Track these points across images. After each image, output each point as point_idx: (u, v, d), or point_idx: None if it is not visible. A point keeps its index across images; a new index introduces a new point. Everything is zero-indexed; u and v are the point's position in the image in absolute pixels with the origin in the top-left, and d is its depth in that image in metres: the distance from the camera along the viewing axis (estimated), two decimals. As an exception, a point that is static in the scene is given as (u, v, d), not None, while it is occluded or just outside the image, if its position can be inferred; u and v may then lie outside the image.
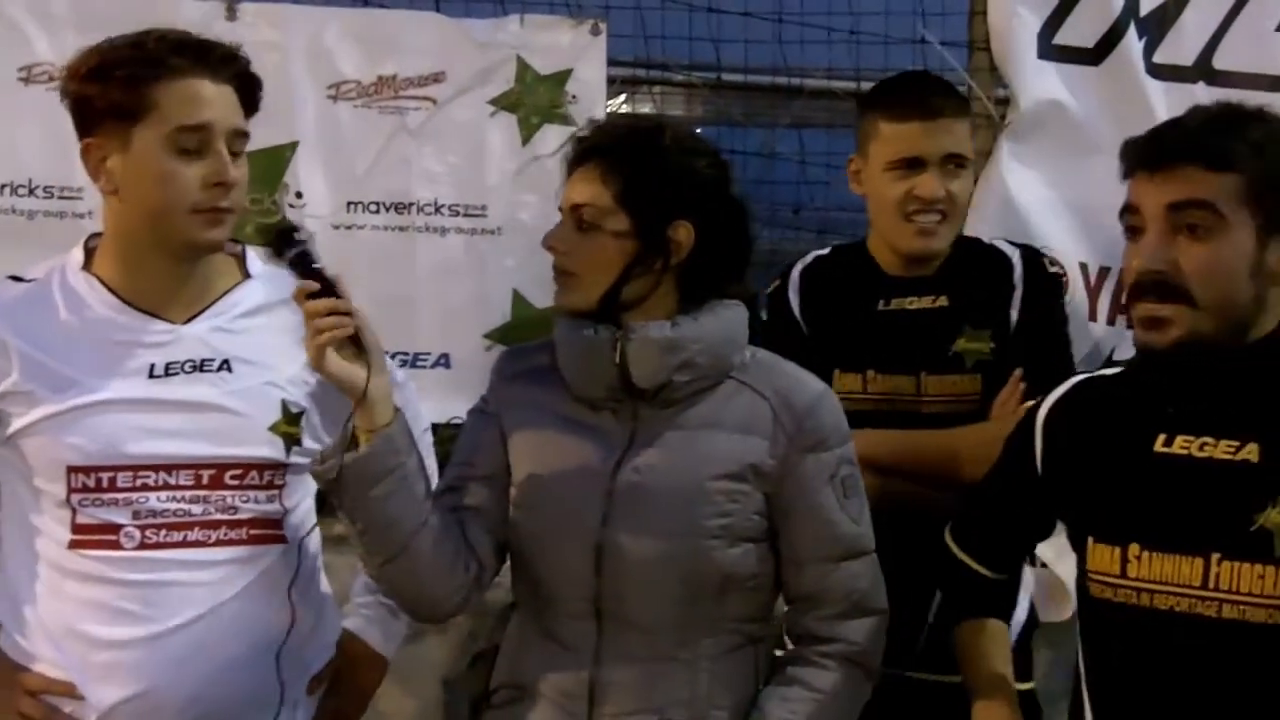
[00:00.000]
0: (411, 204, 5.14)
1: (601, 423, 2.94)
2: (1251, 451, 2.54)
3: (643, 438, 2.92)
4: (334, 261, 4.92)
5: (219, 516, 3.05)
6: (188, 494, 3.02)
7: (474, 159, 5.15)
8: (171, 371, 3.02)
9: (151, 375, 3.01)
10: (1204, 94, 4.76)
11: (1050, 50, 4.87)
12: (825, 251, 3.97)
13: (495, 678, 3.07)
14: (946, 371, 3.73)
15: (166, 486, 3.01)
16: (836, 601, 2.95)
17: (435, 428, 5.07)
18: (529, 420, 2.99)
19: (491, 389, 3.09)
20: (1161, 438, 2.61)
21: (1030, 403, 3.26)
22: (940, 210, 3.69)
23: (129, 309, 3.03)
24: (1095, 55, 4.86)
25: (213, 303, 3.09)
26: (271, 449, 3.08)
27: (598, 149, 2.92)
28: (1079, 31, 4.85)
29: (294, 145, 5.05)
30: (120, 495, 3.00)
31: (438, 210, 5.14)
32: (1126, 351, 4.78)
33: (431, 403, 4.86)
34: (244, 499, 3.07)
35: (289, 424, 3.11)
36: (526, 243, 4.76)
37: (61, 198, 4.91)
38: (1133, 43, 4.84)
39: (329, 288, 2.82)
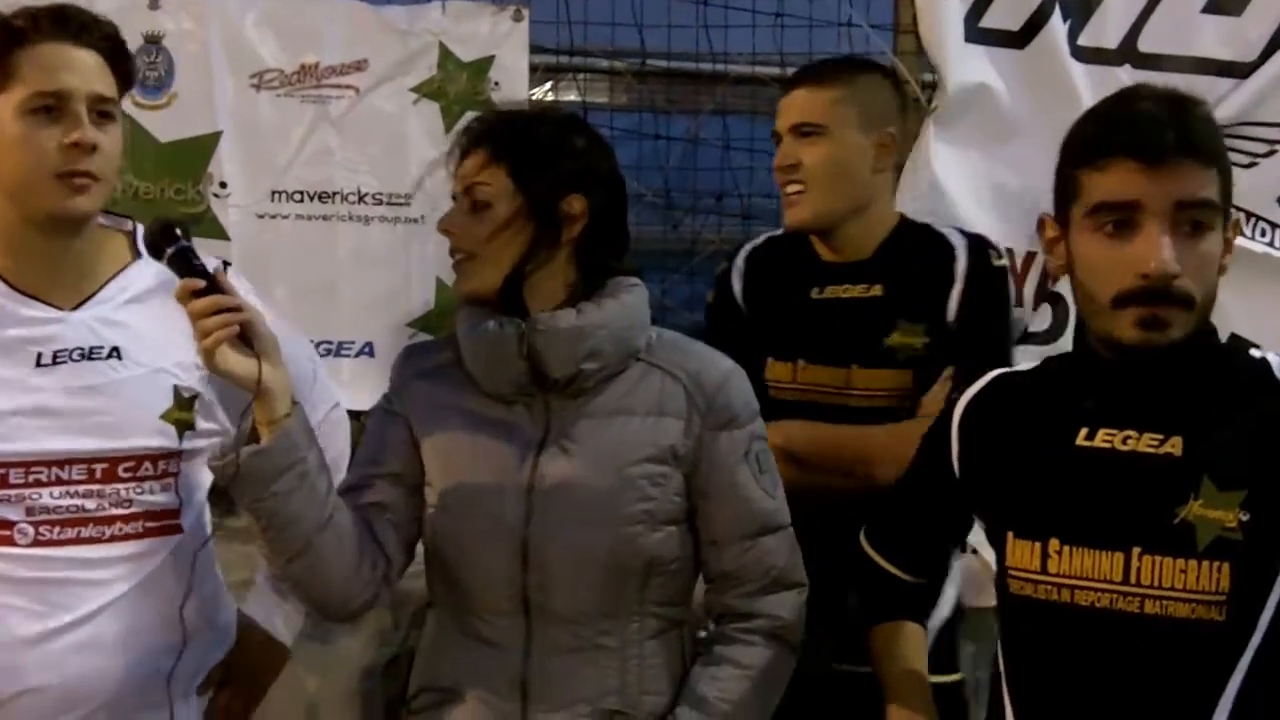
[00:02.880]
0: (335, 193, 5.13)
1: (514, 417, 2.93)
2: (1175, 445, 2.52)
3: (557, 430, 2.90)
4: (258, 250, 4.97)
5: (113, 511, 3.03)
6: (81, 489, 3.00)
7: (397, 147, 5.14)
8: (59, 360, 3.00)
9: (39, 364, 2.99)
10: (1128, 77, 4.74)
11: (977, 33, 4.85)
12: (778, 233, 3.94)
13: (415, 680, 3.05)
14: (877, 365, 3.68)
15: (59, 482, 3.00)
16: (756, 578, 2.96)
17: (358, 415, 5.08)
18: (439, 420, 2.97)
19: (394, 389, 3.07)
20: (1084, 431, 2.59)
21: None
22: (796, 180, 3.71)
23: (14, 294, 3.01)
24: (1021, 38, 4.84)
25: (101, 286, 3.06)
26: (164, 438, 3.07)
27: (483, 134, 2.93)
28: (1005, 14, 4.83)
29: (217, 135, 5.05)
30: (13, 492, 2.98)
31: (361, 199, 5.13)
32: (1041, 325, 4.78)
33: (355, 391, 4.86)
34: (138, 490, 3.05)
35: (181, 409, 3.09)
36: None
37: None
38: (1057, 25, 4.82)
39: (212, 284, 2.78)
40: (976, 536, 3.34)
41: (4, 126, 2.94)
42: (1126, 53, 4.85)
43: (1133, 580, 2.49)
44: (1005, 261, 3.89)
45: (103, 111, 2.98)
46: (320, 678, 4.62)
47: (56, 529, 3.00)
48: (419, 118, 5.11)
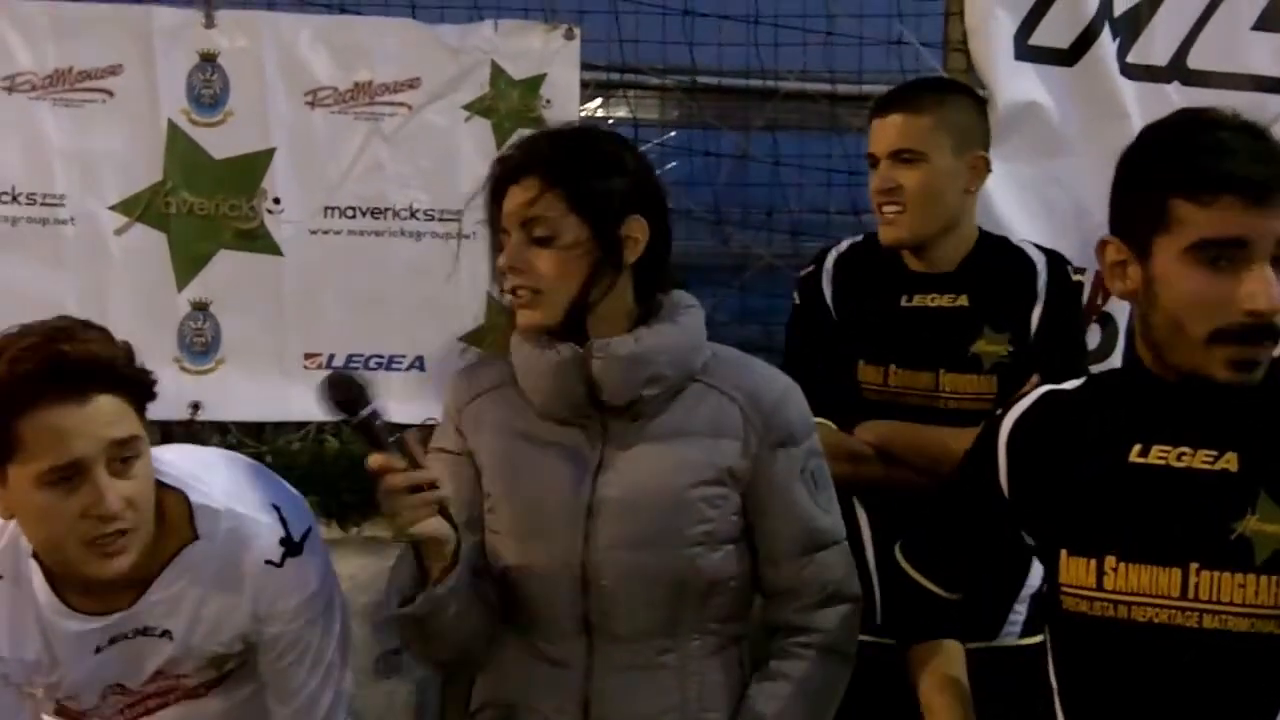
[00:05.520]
0: (387, 209, 5.13)
1: (571, 439, 2.92)
2: (1230, 461, 2.51)
3: (614, 452, 2.90)
4: (311, 265, 5.01)
5: (169, 689, 3.14)
6: (139, 691, 3.12)
7: (448, 164, 5.14)
8: (115, 640, 3.00)
9: (97, 651, 3.00)
10: (1177, 94, 4.78)
11: (1026, 51, 4.88)
12: (859, 239, 4.04)
13: (477, 696, 3.07)
14: (964, 371, 3.79)
15: (119, 692, 3.10)
16: (813, 593, 2.98)
17: (409, 428, 5.11)
18: (499, 442, 2.97)
19: (455, 410, 3.06)
20: (1137, 448, 2.58)
21: None
22: (896, 201, 3.79)
23: (71, 612, 2.96)
24: (1070, 56, 4.87)
25: (157, 575, 2.99)
26: (206, 674, 3.14)
27: (533, 161, 2.87)
28: (1054, 32, 4.86)
29: (271, 152, 5.06)
30: (87, 713, 3.12)
31: (412, 215, 5.14)
32: (1090, 344, 4.80)
33: (406, 405, 4.89)
34: (188, 679, 3.14)
35: (221, 662, 3.14)
36: (500, 248, 4.78)
37: (44, 204, 4.95)
38: (1107, 43, 4.85)
39: (407, 455, 2.71)
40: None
41: (23, 498, 2.78)
42: (1176, 70, 4.88)
43: (1191, 595, 2.49)
44: (1082, 277, 3.98)
45: (126, 457, 2.81)
46: (372, 693, 4.65)
47: (127, 711, 3.14)
48: (470, 134, 5.12)
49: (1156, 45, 4.89)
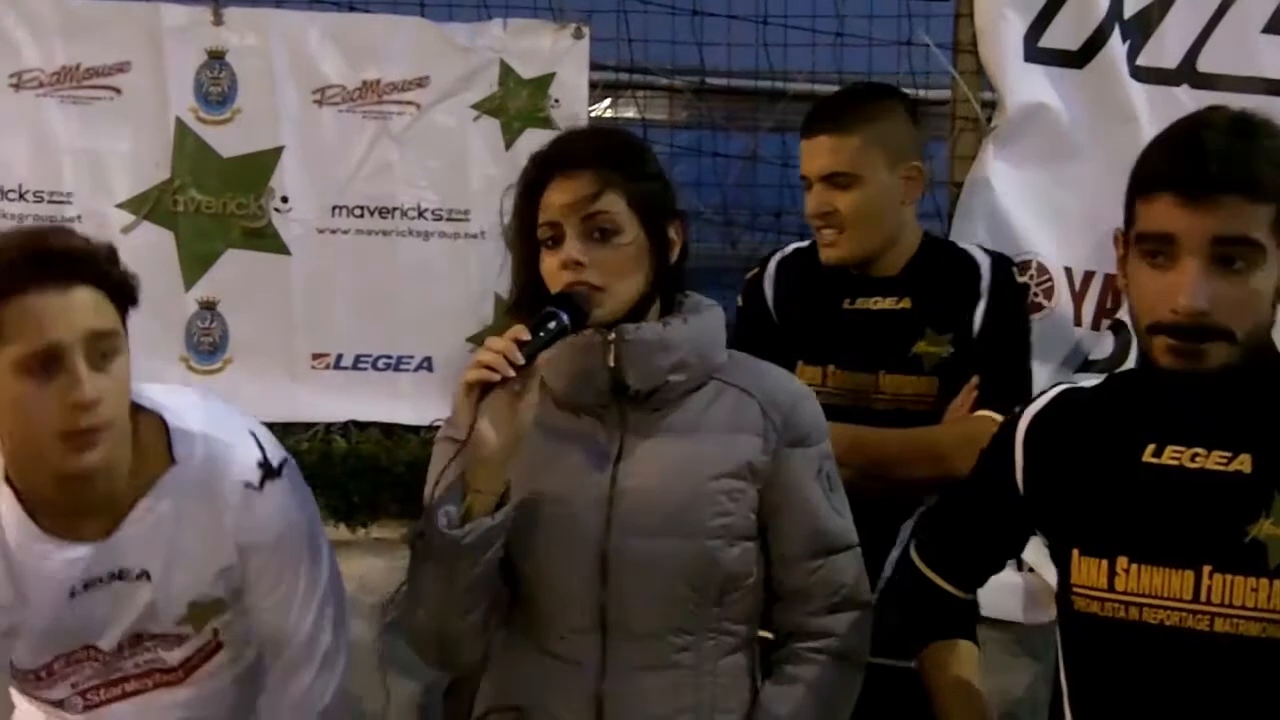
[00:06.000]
0: (395, 208, 5.16)
1: (589, 430, 2.90)
2: (1244, 463, 2.50)
3: (634, 442, 2.88)
4: (319, 265, 5.02)
5: (148, 667, 3.10)
6: (114, 658, 3.06)
7: (457, 163, 5.17)
8: (90, 587, 2.96)
9: (71, 596, 2.96)
10: (1187, 97, 4.75)
11: (1036, 53, 4.86)
12: (805, 245, 3.99)
13: (481, 701, 3.02)
14: (905, 372, 3.77)
15: (94, 658, 3.05)
16: (825, 596, 2.95)
17: (418, 430, 5.09)
18: None
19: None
20: (1151, 448, 2.57)
21: (988, 412, 3.45)
22: (832, 225, 3.76)
23: (44, 536, 2.93)
24: (1080, 58, 4.85)
25: (135, 501, 2.96)
26: (185, 631, 3.10)
27: (584, 158, 2.85)
28: (1064, 34, 4.84)
29: (279, 150, 5.09)
30: (56, 678, 3.05)
31: (421, 215, 5.16)
32: (1103, 352, 4.80)
33: (414, 405, 4.88)
34: (166, 649, 3.10)
35: (202, 613, 3.09)
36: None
37: (51, 202, 4.99)
38: (1117, 45, 4.83)
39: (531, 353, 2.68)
40: (1032, 555, 3.35)
41: (2, 387, 2.76)
42: (1186, 73, 4.86)
43: (1203, 599, 2.47)
44: (1025, 279, 3.99)
45: (104, 352, 2.78)
46: (377, 695, 4.63)
47: (102, 690, 3.09)
48: (479, 134, 5.14)
49: (1167, 48, 4.86)
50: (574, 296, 2.77)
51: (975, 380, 3.69)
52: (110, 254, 2.84)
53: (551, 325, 2.70)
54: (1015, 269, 3.89)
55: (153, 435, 2.98)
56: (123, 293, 2.85)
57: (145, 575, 2.98)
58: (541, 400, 2.85)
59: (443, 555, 2.75)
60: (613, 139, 2.97)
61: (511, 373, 2.64)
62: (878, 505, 3.34)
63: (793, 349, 3.78)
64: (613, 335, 2.84)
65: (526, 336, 2.67)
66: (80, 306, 2.75)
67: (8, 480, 2.93)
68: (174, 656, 3.10)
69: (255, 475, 3.03)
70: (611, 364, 2.84)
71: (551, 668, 2.91)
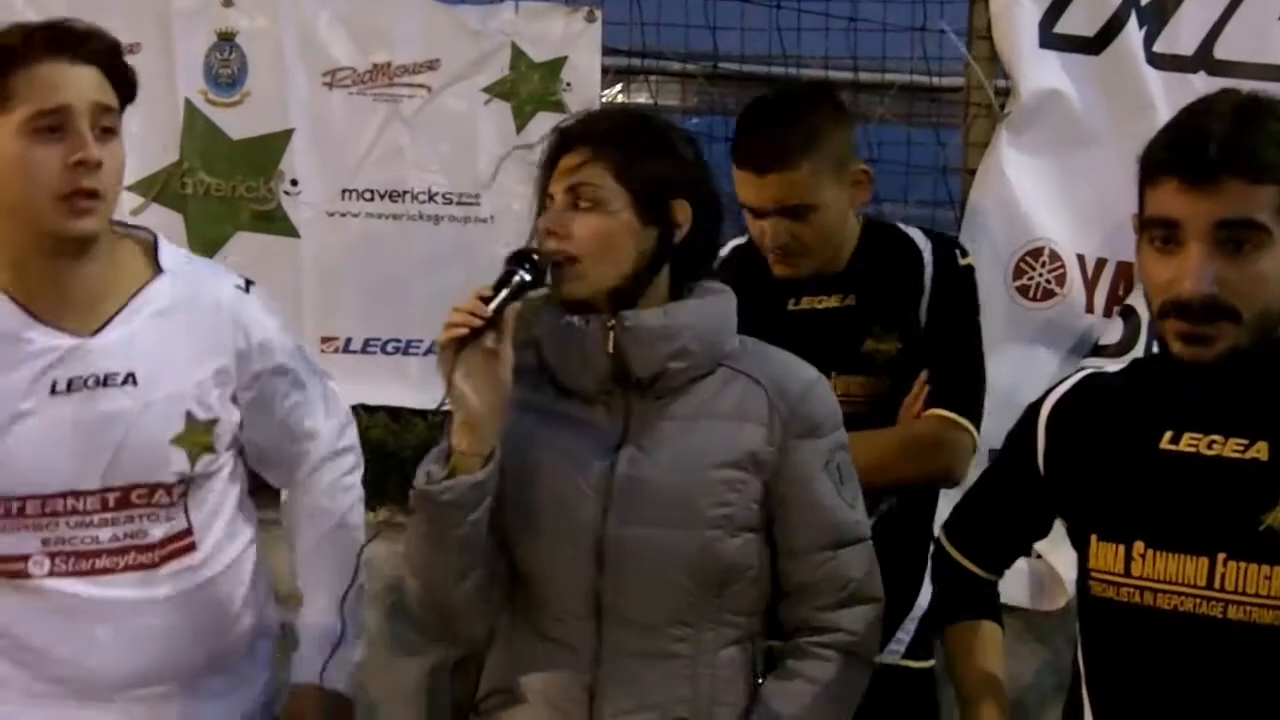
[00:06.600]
0: (405, 192, 5.14)
1: (593, 417, 2.90)
2: (1260, 450, 2.49)
3: (637, 430, 2.88)
4: (328, 249, 5.00)
5: (127, 541, 3.06)
6: (95, 518, 3.02)
7: (468, 147, 5.14)
8: (74, 387, 2.98)
9: (53, 392, 2.97)
10: (1204, 84, 4.73)
11: (1051, 39, 4.85)
12: (742, 242, 3.89)
13: (484, 683, 3.03)
14: (856, 372, 3.71)
15: (74, 512, 3.01)
16: (833, 590, 2.92)
17: (425, 414, 5.07)
18: (518, 421, 2.90)
19: None
20: (1169, 435, 2.57)
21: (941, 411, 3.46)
22: (792, 252, 3.69)
23: (30, 320, 2.98)
24: (1096, 44, 4.84)
25: (121, 308, 3.03)
26: (177, 462, 3.07)
27: (585, 133, 2.89)
28: (1080, 20, 4.83)
29: (289, 133, 5.07)
30: (29, 521, 3.00)
31: (431, 198, 5.14)
32: (1112, 338, 4.79)
33: (422, 390, 4.87)
34: (152, 519, 3.07)
35: (195, 434, 3.09)
36: (519, 231, 4.71)
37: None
38: (1133, 32, 4.82)
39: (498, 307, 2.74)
40: (1042, 542, 3.33)
41: (4, 148, 2.89)
42: (1202, 59, 4.85)
43: (1217, 585, 2.47)
44: (971, 260, 3.87)
45: (105, 127, 2.95)
46: (383, 677, 4.63)
47: (72, 560, 3.03)
48: (490, 118, 5.11)
49: (1183, 34, 4.85)
50: (532, 253, 2.81)
51: (924, 376, 3.66)
52: (119, 49, 3.02)
53: (514, 280, 2.75)
54: (958, 251, 3.84)
55: (139, 250, 3.13)
56: (125, 84, 3.01)
57: (131, 379, 3.01)
58: (547, 387, 2.89)
59: (424, 514, 2.79)
60: (619, 117, 3.01)
61: (478, 323, 2.69)
62: None
63: None
64: (612, 321, 2.83)
65: (490, 294, 2.72)
66: (90, 81, 2.92)
67: None
68: (154, 532, 3.07)
69: (242, 282, 3.22)
70: (610, 350, 2.83)
71: (547, 652, 2.92)
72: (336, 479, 3.36)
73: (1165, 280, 2.47)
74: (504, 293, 2.73)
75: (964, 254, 3.85)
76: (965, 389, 3.63)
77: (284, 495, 3.48)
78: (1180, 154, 2.45)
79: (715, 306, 2.93)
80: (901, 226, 3.92)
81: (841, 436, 2.97)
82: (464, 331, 2.70)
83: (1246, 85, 2.63)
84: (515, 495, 2.91)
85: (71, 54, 2.90)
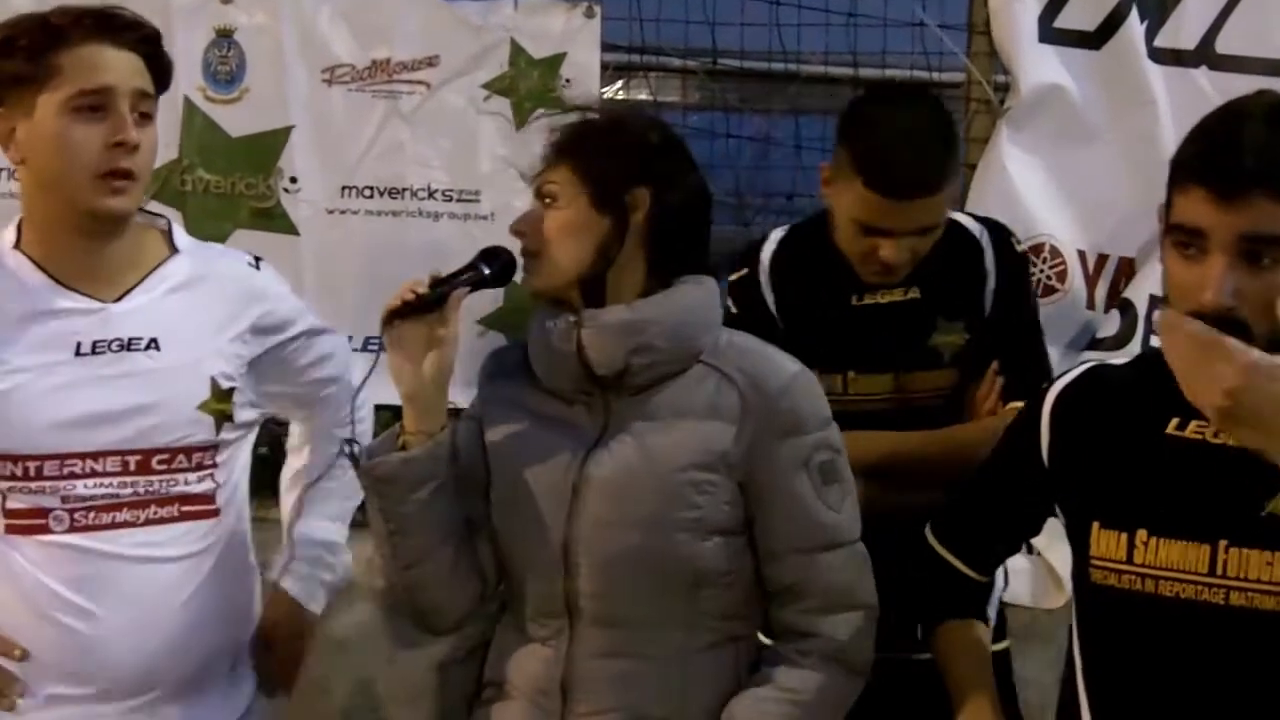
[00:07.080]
0: (405, 189, 5.13)
1: (574, 416, 2.91)
2: None
3: (614, 429, 2.87)
4: (328, 246, 4.99)
5: (148, 498, 3.08)
6: (115, 480, 3.06)
7: (467, 144, 5.13)
8: (99, 350, 3.05)
9: (78, 353, 3.04)
10: (1206, 79, 4.72)
11: (1051, 34, 4.83)
12: (784, 234, 3.78)
13: (486, 674, 3.06)
14: (925, 367, 3.64)
15: (94, 474, 3.05)
16: (815, 594, 2.89)
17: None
18: (504, 418, 2.96)
19: (478, 392, 3.09)
20: (1174, 421, 2.57)
21: (1018, 403, 3.24)
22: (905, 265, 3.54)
23: (58, 286, 3.07)
24: (1097, 39, 4.82)
25: (142, 279, 3.12)
26: (200, 429, 3.12)
27: (555, 144, 2.94)
28: (1080, 15, 4.81)
29: (289, 130, 5.06)
30: (48, 484, 3.03)
31: (431, 195, 5.13)
32: (1109, 331, 4.80)
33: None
34: (172, 483, 3.11)
35: (218, 401, 3.14)
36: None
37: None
38: (1134, 26, 4.80)
39: (440, 294, 2.86)
40: (1041, 540, 3.32)
41: (46, 124, 2.99)
42: (1204, 54, 4.82)
43: (1219, 572, 2.47)
44: (1024, 246, 3.85)
45: (144, 113, 3.05)
46: (388, 668, 4.62)
47: (92, 514, 3.05)
48: (490, 114, 5.09)
49: (1184, 29, 4.82)
50: (501, 251, 2.93)
51: (995, 367, 3.60)
52: (160, 39, 3.14)
53: (471, 270, 2.90)
54: (1013, 239, 3.76)
55: (155, 234, 3.23)
56: (162, 74, 3.14)
57: (154, 344, 3.08)
58: (533, 385, 2.93)
59: (367, 489, 2.92)
60: (587, 122, 2.97)
61: (411, 297, 2.81)
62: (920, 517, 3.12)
63: (805, 357, 3.60)
64: (575, 319, 2.84)
65: (443, 276, 2.86)
66: (134, 66, 3.04)
67: (21, 250, 3.11)
68: (174, 494, 3.12)
69: (252, 259, 3.36)
70: (578, 350, 2.84)
71: (527, 648, 2.95)
72: (358, 407, 3.35)
73: (1185, 286, 2.48)
74: (457, 277, 2.87)
75: (1018, 240, 3.78)
76: (1039, 380, 3.58)
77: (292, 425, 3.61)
78: (1210, 165, 2.44)
79: (689, 299, 2.90)
80: (952, 214, 3.73)
81: (828, 436, 2.91)
82: (397, 304, 2.82)
83: (1250, 81, 2.62)
84: (500, 493, 2.95)
85: (116, 39, 3.01)
